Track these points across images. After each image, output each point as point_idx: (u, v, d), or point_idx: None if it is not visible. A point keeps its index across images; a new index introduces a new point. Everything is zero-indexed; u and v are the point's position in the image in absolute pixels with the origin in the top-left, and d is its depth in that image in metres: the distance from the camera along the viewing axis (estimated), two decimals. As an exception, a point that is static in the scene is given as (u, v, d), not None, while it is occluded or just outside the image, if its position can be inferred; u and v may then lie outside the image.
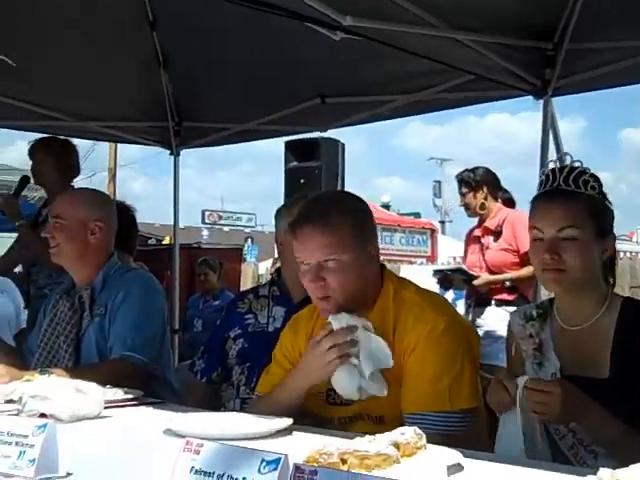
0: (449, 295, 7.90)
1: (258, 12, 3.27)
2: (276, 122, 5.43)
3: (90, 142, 12.43)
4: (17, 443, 1.56)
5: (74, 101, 5.31)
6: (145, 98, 5.44)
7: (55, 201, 3.21)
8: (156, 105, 5.45)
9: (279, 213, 3.06)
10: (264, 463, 1.28)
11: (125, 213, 4.13)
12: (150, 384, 2.80)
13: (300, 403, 2.24)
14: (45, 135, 4.92)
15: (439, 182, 37.74)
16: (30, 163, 4.67)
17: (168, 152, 5.94)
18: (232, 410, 2.84)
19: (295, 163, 5.92)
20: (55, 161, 4.52)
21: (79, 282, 3.07)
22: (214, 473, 1.31)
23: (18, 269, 5.71)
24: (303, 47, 4.30)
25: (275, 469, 1.26)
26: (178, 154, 5.94)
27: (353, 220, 2.20)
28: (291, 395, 2.24)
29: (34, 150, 4.61)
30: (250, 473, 1.27)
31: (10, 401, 2.26)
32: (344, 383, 2.14)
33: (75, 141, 4.93)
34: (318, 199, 2.34)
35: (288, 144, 5.99)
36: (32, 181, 4.74)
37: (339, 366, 2.12)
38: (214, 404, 3.02)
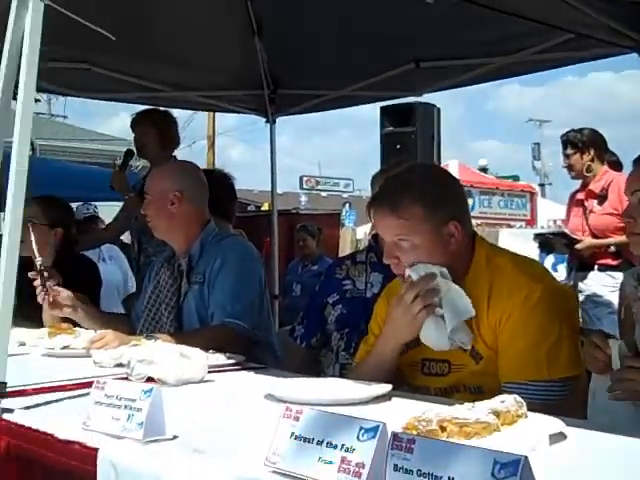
0: (550, 259, 7.76)
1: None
2: (371, 88, 5.39)
3: (189, 112, 12.64)
4: (126, 406, 1.62)
5: (173, 72, 5.41)
6: (241, 67, 5.49)
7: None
8: (251, 74, 5.49)
9: (374, 180, 3.07)
10: (362, 430, 1.29)
11: (223, 181, 4.20)
12: (251, 349, 2.85)
13: (394, 367, 2.24)
14: (146, 107, 5.04)
15: (538, 144, 36.93)
16: (133, 135, 4.80)
17: (264, 120, 5.99)
18: (332, 375, 2.89)
19: (391, 128, 5.90)
20: (157, 133, 4.62)
21: (178, 251, 3.14)
22: (313, 439, 1.34)
23: (126, 237, 5.91)
24: (397, 11, 4.24)
25: (373, 437, 1.27)
26: (274, 122, 5.98)
27: (426, 204, 2.15)
28: (385, 359, 2.24)
29: (136, 123, 4.73)
30: (349, 440, 1.29)
31: (119, 365, 2.37)
32: (433, 335, 2.13)
33: (175, 111, 5.03)
34: (392, 180, 2.30)
35: (384, 109, 5.97)
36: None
37: (425, 317, 2.11)
38: (314, 369, 3.08)
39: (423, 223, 2.15)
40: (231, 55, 5.29)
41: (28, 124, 1.93)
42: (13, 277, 1.88)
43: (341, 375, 2.78)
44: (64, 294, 3.10)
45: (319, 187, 32.76)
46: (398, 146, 5.81)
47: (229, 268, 2.98)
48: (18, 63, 1.95)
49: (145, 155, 4.81)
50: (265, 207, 13.57)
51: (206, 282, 3.00)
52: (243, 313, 2.92)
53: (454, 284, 2.13)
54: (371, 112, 6.18)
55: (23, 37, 1.94)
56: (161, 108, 5.03)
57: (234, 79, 5.71)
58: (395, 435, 1.21)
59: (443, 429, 1.46)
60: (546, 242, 5.31)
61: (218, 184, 4.03)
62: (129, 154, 4.86)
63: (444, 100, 7.64)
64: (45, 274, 3.07)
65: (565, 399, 2.06)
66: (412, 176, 2.29)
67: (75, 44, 4.46)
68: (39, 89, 2.07)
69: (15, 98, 1.95)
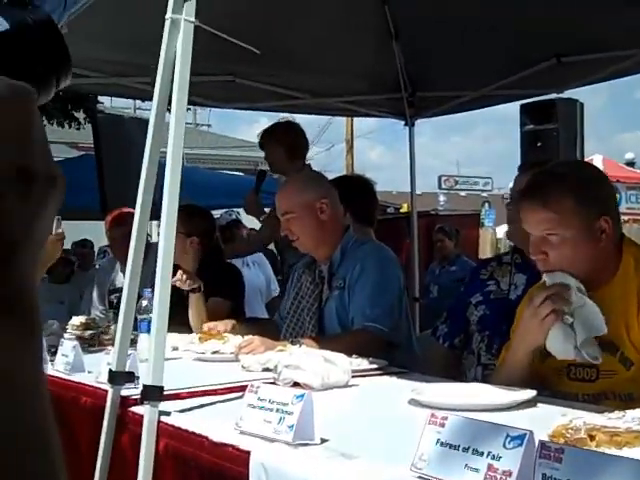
0: None
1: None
2: (510, 86, 5.28)
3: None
4: (278, 410, 1.68)
5: (311, 80, 5.50)
6: (378, 71, 5.50)
7: (276, 200, 3.27)
8: (389, 77, 5.50)
9: (515, 181, 3.03)
10: (509, 438, 1.29)
11: (365, 187, 4.25)
12: (392, 353, 2.88)
13: (529, 372, 2.20)
14: (271, 124, 5.09)
15: (691, 134, 35.00)
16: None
17: (402, 123, 5.99)
18: (474, 378, 2.87)
19: (531, 126, 5.75)
20: (284, 148, 4.66)
21: (320, 258, 3.20)
22: (459, 446, 1.35)
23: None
24: (535, 6, 4.16)
25: (520, 445, 1.27)
26: (413, 124, 5.97)
27: (577, 197, 2.12)
28: (517, 364, 2.21)
29: (263, 143, 4.82)
30: (495, 448, 1.29)
31: (266, 369, 2.44)
32: (559, 344, 2.09)
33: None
34: (543, 174, 2.28)
35: (523, 107, 5.83)
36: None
37: (554, 323, 2.07)
38: (456, 370, 3.07)
39: (574, 216, 2.12)
40: (368, 60, 5.32)
41: (180, 135, 2.04)
42: (168, 286, 1.99)
43: (484, 376, 2.77)
44: (228, 322, 3.23)
45: (457, 186, 32.41)
46: (539, 144, 5.67)
47: (368, 273, 3.02)
48: (171, 79, 2.06)
49: (278, 171, 4.89)
50: (404, 208, 13.56)
51: (346, 287, 3.05)
52: (383, 317, 2.95)
53: (590, 300, 2.08)
54: (511, 108, 6.05)
55: (175, 56, 2.05)
56: (283, 120, 5.10)
57: (371, 83, 5.73)
58: (543, 444, 1.20)
59: (592, 438, 1.43)
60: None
61: (360, 191, 4.09)
62: (261, 176, 4.95)
63: (585, 90, 7.37)
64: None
65: None
66: (564, 170, 2.29)
67: (222, 58, 4.63)
68: (188, 102, 2.18)
69: (169, 110, 2.06)
